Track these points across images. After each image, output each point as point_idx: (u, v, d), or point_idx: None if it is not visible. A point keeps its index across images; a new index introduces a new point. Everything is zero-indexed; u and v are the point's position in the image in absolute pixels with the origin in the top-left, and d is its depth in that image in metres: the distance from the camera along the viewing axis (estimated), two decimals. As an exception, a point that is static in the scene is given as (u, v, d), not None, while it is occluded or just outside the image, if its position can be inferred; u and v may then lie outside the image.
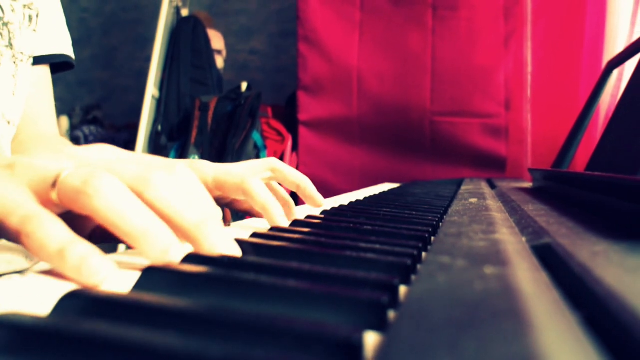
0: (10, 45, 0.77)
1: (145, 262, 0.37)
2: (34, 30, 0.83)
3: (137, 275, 0.33)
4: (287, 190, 0.76)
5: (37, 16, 0.83)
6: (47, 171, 0.38)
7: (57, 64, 0.94)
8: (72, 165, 0.39)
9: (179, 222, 0.40)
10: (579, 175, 0.77)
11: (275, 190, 0.75)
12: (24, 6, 0.80)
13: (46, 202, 0.37)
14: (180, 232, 0.40)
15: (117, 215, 0.36)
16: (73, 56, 0.96)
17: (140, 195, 0.39)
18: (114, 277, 0.33)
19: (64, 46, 0.94)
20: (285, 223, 0.60)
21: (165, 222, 0.39)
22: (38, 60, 0.88)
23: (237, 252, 0.41)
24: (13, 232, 0.34)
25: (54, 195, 0.37)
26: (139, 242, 0.36)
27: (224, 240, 0.41)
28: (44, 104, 0.92)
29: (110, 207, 0.35)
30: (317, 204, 0.75)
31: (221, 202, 0.76)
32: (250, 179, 0.62)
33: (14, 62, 0.78)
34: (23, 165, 0.39)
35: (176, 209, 0.40)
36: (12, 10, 0.78)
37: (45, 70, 0.92)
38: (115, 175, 0.39)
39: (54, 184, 0.37)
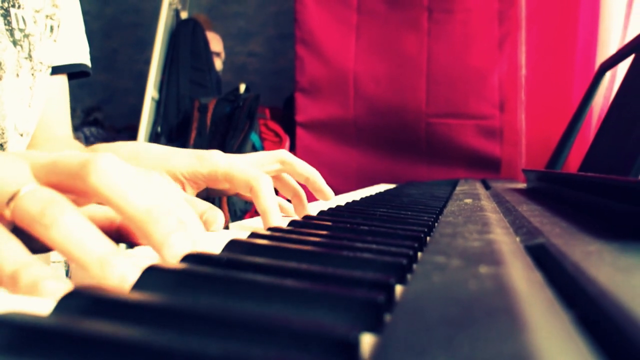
0: (30, 57, 0.77)
1: (149, 261, 0.36)
2: (54, 41, 0.83)
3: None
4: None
5: (58, 27, 0.83)
6: (4, 186, 0.36)
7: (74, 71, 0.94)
8: (26, 174, 0.38)
9: (126, 209, 0.37)
10: (572, 176, 0.77)
11: (286, 181, 0.75)
12: (47, 16, 0.80)
13: (0, 217, 0.36)
14: (130, 222, 0.37)
15: (73, 247, 0.33)
16: (90, 64, 0.96)
17: (84, 182, 0.37)
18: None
19: (82, 55, 0.94)
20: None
21: (114, 210, 0.37)
22: (58, 70, 0.88)
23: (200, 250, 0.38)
24: None
25: (7, 213, 0.35)
26: (96, 273, 0.33)
27: (180, 239, 0.37)
28: (61, 111, 0.93)
29: (66, 239, 0.33)
30: (326, 197, 0.75)
31: (227, 192, 0.76)
32: (261, 179, 0.62)
33: (32, 74, 0.78)
34: None
35: (123, 193, 0.37)
36: (35, 22, 0.78)
37: (63, 78, 0.93)
38: (59, 171, 0.37)
39: (9, 201, 0.35)
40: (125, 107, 4.66)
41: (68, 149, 0.83)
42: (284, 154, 0.73)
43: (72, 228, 0.34)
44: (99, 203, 0.40)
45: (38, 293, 0.31)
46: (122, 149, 0.69)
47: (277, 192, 0.72)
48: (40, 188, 0.37)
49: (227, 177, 0.64)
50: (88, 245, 0.34)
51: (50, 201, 0.35)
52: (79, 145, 0.89)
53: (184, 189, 0.68)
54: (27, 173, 0.38)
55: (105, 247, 0.34)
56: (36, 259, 0.33)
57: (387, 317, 0.26)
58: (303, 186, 0.76)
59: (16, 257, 0.32)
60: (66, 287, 0.31)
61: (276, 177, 0.74)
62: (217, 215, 0.60)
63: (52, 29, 0.82)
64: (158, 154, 0.68)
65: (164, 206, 0.38)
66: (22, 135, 0.79)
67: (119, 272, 0.33)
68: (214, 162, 0.65)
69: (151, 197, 0.38)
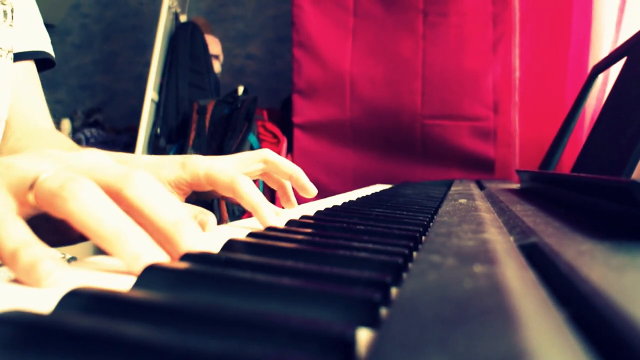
0: None
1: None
2: (10, 26, 0.82)
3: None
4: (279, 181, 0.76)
5: (12, 11, 0.82)
6: (26, 172, 0.37)
7: (39, 63, 0.94)
8: (53, 168, 0.39)
9: (157, 220, 0.39)
10: (565, 176, 0.77)
11: (272, 176, 0.76)
12: None
13: (23, 204, 0.37)
14: (158, 231, 0.39)
15: (90, 218, 0.35)
16: (53, 54, 0.95)
17: (119, 192, 0.38)
18: (68, 281, 0.32)
19: (44, 43, 0.93)
20: (275, 221, 0.61)
21: (143, 221, 0.39)
22: (20, 57, 0.87)
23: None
24: None
25: (30, 197, 0.37)
26: (111, 246, 0.35)
27: (200, 241, 0.40)
28: (35, 100, 0.91)
29: (83, 210, 0.35)
30: (309, 194, 0.75)
31: (215, 194, 0.77)
32: (240, 179, 0.62)
33: None
34: (5, 165, 0.38)
35: (155, 206, 0.39)
36: None
37: (30, 66, 0.91)
38: (96, 176, 0.39)
39: (31, 186, 0.37)
40: (126, 108, 4.67)
41: (59, 146, 0.82)
42: (267, 153, 0.74)
43: (91, 201, 0.35)
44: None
45: (36, 273, 0.31)
46: (112, 157, 0.70)
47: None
48: (60, 171, 0.38)
49: (209, 180, 0.65)
50: (105, 219, 0.35)
51: (70, 178, 0.36)
52: (64, 138, 0.89)
53: None
54: (51, 167, 0.39)
55: (123, 222, 0.36)
56: (39, 241, 0.34)
57: (384, 315, 0.26)
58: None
59: (19, 236, 0.33)
60: (64, 270, 0.32)
61: (262, 175, 0.76)
62: (209, 218, 0.62)
63: (5, 14, 0.81)
64: (147, 165, 0.68)
65: (187, 219, 0.41)
66: None
67: (133, 249, 0.35)
68: (194, 167, 0.66)
69: (176, 210, 0.40)
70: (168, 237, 0.39)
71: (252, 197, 0.61)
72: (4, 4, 0.81)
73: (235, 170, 0.68)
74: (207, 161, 0.67)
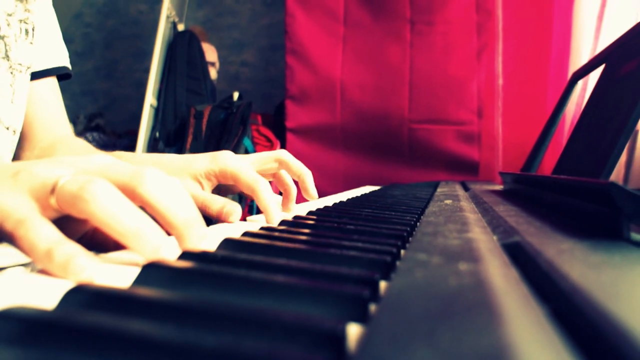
0: (7, 57, 0.78)
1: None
2: (31, 43, 0.84)
3: (137, 270, 0.32)
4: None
5: (33, 30, 0.84)
6: (46, 178, 0.38)
7: (58, 75, 0.96)
8: (70, 172, 0.40)
9: (170, 218, 0.40)
10: (546, 178, 0.77)
11: (282, 179, 0.80)
12: (20, 21, 0.81)
13: (45, 207, 0.38)
14: (169, 227, 0.40)
15: (112, 217, 0.36)
16: (70, 67, 0.98)
17: (134, 190, 0.39)
18: (102, 274, 0.33)
19: (63, 58, 0.96)
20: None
21: (156, 215, 0.40)
22: (45, 74, 0.90)
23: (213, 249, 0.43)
24: (8, 236, 0.35)
25: (52, 201, 0.37)
26: (133, 242, 0.36)
27: (205, 239, 0.42)
28: (58, 112, 0.95)
29: (105, 210, 0.36)
30: (311, 197, 0.81)
31: (233, 191, 0.80)
32: (261, 183, 0.68)
33: (11, 73, 0.79)
34: (26, 172, 0.38)
35: (168, 204, 0.40)
36: (8, 24, 0.79)
37: (54, 81, 0.94)
38: (110, 176, 0.40)
39: (52, 190, 0.37)
40: (126, 113, 4.65)
41: (84, 151, 0.85)
42: (282, 154, 0.80)
43: (110, 201, 0.36)
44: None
45: (72, 268, 0.32)
46: (147, 159, 0.76)
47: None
48: (77, 174, 0.39)
49: (234, 177, 0.71)
50: (125, 217, 0.36)
51: (88, 181, 0.37)
52: (84, 144, 0.91)
53: (202, 187, 0.74)
54: (67, 172, 0.40)
55: (141, 221, 0.37)
56: (67, 238, 0.34)
57: (373, 311, 0.26)
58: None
59: (49, 235, 0.34)
60: (97, 263, 0.33)
61: (274, 174, 0.81)
62: (235, 207, 0.67)
63: (27, 32, 0.83)
64: (180, 162, 0.75)
65: (195, 217, 0.42)
66: (7, 128, 0.80)
67: (153, 244, 0.36)
68: (224, 161, 0.72)
69: (186, 207, 0.41)
70: (177, 234, 0.41)
71: (267, 201, 0.66)
72: (25, 23, 0.83)
73: (255, 170, 0.76)
74: (236, 159, 0.73)
